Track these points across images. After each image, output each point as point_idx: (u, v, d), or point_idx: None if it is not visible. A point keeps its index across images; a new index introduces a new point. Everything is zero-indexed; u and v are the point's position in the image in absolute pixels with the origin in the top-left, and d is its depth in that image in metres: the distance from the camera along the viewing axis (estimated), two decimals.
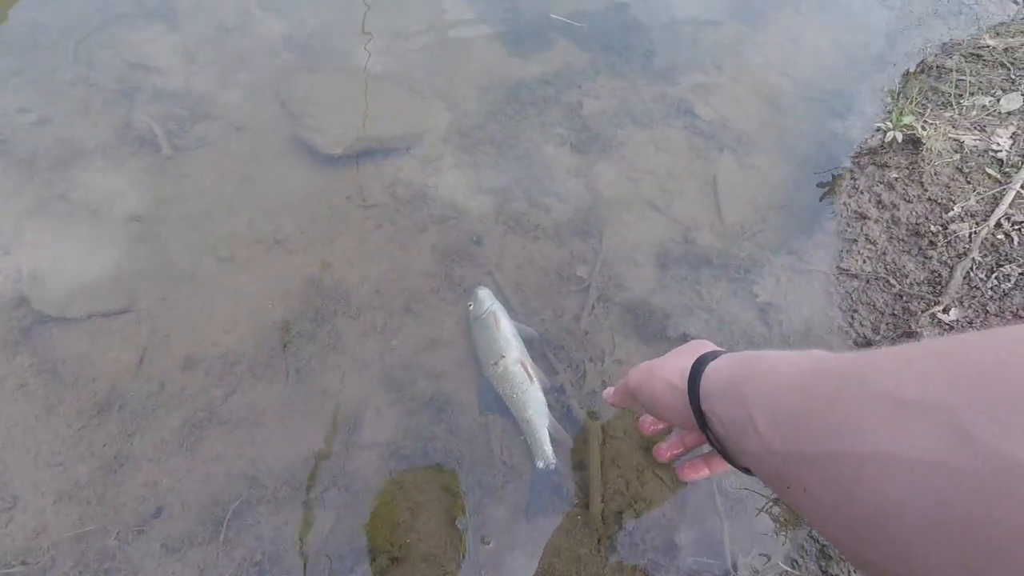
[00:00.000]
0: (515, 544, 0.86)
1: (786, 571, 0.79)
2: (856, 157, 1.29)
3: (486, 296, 1.06)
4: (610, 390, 0.64)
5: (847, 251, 1.13)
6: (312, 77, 1.49)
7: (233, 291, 1.14)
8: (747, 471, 0.45)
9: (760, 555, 0.82)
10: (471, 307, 1.06)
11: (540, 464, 0.91)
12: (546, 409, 0.96)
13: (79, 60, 1.45)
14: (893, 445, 0.26)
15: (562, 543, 0.86)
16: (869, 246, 1.12)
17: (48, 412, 0.98)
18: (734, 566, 0.81)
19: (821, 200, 1.25)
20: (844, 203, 1.19)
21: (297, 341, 1.08)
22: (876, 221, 1.14)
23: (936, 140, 1.16)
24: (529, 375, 0.97)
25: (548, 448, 0.92)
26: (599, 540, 0.85)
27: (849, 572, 0.79)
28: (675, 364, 0.53)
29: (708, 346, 0.56)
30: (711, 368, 0.48)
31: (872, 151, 1.25)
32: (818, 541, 0.83)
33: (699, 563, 0.83)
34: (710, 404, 0.46)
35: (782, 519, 0.87)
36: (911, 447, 0.25)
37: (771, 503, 0.88)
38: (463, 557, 0.85)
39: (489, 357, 1.00)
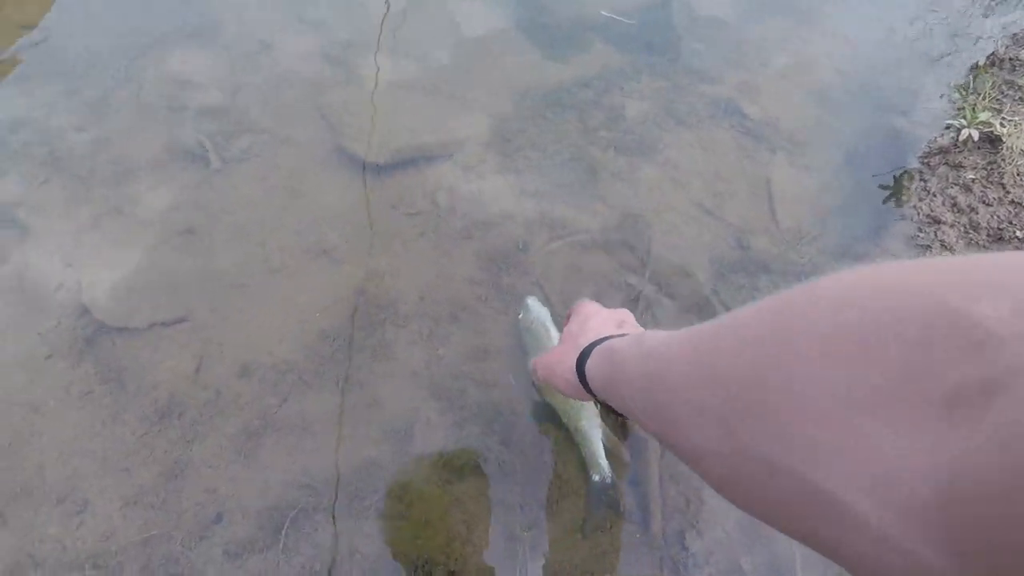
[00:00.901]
0: (573, 561, 0.85)
1: None
2: (925, 157, 1.23)
3: (535, 305, 1.05)
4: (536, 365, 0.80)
5: (920, 258, 1.08)
6: (350, 88, 1.50)
7: (283, 301, 1.15)
8: None
9: None
10: (521, 317, 1.05)
11: (596, 477, 0.90)
12: (599, 420, 0.94)
13: (130, 80, 1.49)
14: (700, 440, 0.34)
15: (622, 562, 0.84)
16: (945, 253, 1.06)
17: (113, 419, 1.01)
18: None
19: (885, 203, 1.20)
20: (914, 206, 1.13)
21: (346, 350, 1.09)
22: (952, 226, 1.08)
23: (1018, 138, 1.10)
24: None
25: (603, 461, 0.90)
26: (660, 560, 0.83)
27: None
28: (565, 363, 0.66)
29: (587, 328, 0.69)
30: (588, 369, 0.59)
31: (943, 150, 1.19)
32: None
33: None
34: (602, 396, 0.56)
35: None
36: (707, 441, 0.33)
37: None
38: (520, 572, 0.85)
39: None
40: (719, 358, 0.33)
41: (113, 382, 1.05)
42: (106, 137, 1.39)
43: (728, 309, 1.11)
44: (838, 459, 0.24)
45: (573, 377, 0.62)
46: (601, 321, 0.70)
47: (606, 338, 0.62)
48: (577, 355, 0.62)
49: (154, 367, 1.08)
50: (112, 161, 1.35)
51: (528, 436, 0.97)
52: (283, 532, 0.92)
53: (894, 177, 1.23)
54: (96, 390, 1.05)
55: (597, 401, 0.70)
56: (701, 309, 1.10)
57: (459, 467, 0.96)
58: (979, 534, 0.19)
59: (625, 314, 0.75)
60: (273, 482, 0.96)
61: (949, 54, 1.45)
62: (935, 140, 1.24)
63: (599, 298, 1.13)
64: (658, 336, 0.44)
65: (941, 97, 1.36)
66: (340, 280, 1.18)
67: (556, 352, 0.71)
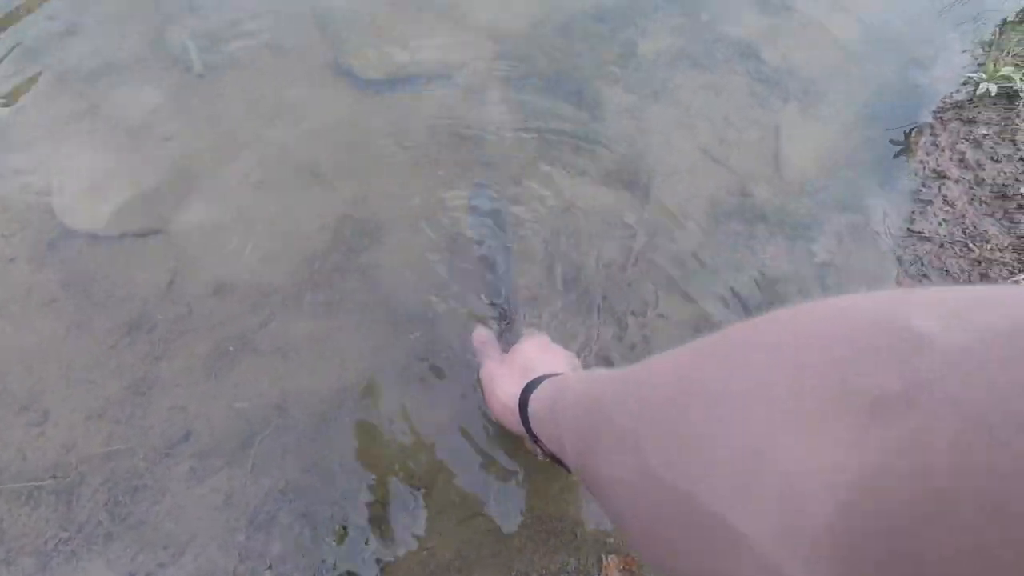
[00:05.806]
0: (547, 491, 0.83)
1: None
2: (939, 112, 1.18)
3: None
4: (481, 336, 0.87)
5: (921, 213, 1.04)
6: (351, 1, 1.40)
7: (265, 220, 1.10)
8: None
9: None
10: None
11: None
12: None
13: None
14: (613, 468, 0.34)
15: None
16: (946, 208, 1.02)
17: (79, 328, 0.97)
18: None
19: (895, 158, 1.15)
20: (921, 161, 1.09)
21: (331, 277, 1.04)
22: (957, 181, 1.04)
23: None
24: None
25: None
26: None
27: None
28: (509, 386, 0.66)
29: (543, 359, 0.68)
30: (534, 400, 0.58)
31: (958, 105, 1.14)
32: None
33: None
34: (538, 428, 0.56)
35: None
36: (619, 468, 0.32)
37: None
38: (496, 499, 0.83)
39: None
40: (652, 377, 0.33)
41: (80, 291, 1.00)
42: (82, 30, 1.29)
43: (718, 256, 1.08)
44: (743, 492, 0.23)
45: (512, 403, 0.62)
46: (557, 357, 0.70)
47: (558, 374, 0.61)
48: (525, 383, 0.62)
49: (125, 279, 1.02)
50: (87, 57, 1.25)
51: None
52: (252, 453, 0.89)
53: (905, 132, 1.18)
54: (60, 298, 0.99)
55: (529, 438, 0.62)
56: (696, 252, 1.06)
57: (434, 402, 0.93)
58: (876, 547, 0.18)
59: (575, 359, 0.76)
60: (245, 403, 0.93)
61: (978, 10, 1.39)
62: (951, 95, 1.19)
63: (595, 237, 1.10)
64: (612, 370, 0.43)
65: (964, 52, 1.30)
66: (328, 204, 1.12)
67: (504, 369, 0.70)
